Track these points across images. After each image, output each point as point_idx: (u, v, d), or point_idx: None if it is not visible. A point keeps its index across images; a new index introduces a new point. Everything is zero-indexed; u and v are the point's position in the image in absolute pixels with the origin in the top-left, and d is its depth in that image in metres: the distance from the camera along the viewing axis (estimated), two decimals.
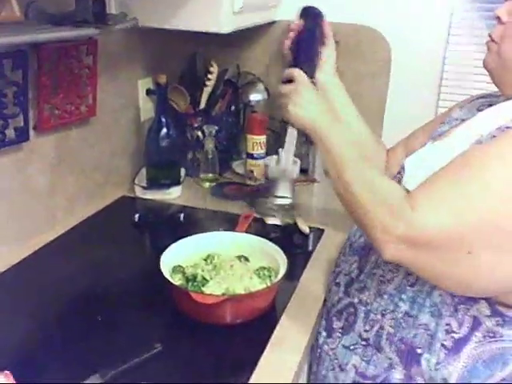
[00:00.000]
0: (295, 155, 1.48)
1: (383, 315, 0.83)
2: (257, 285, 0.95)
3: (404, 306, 0.81)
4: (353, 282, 0.91)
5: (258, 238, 1.05)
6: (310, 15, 1.05)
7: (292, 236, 1.24)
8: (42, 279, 1.05)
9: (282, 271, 0.94)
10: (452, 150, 0.79)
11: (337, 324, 0.90)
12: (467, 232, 0.68)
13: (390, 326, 0.81)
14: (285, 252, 0.98)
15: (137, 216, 1.28)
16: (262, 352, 0.85)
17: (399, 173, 0.92)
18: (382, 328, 0.83)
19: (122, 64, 1.39)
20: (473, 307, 0.76)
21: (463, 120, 0.92)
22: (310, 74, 0.97)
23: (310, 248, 1.19)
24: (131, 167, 1.48)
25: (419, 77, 1.47)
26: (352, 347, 0.86)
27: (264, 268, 0.98)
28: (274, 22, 1.61)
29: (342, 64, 1.60)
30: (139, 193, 1.40)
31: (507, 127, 0.73)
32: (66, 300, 1.00)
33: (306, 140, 1.52)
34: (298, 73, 0.94)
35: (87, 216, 1.29)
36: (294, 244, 1.22)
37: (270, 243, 1.01)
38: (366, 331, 0.85)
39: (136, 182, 1.42)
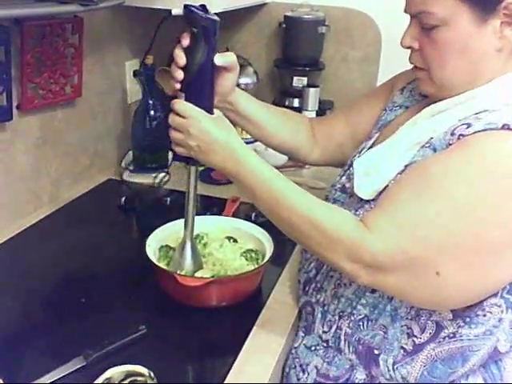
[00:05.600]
0: None
1: (340, 317, 0.82)
2: (244, 267, 0.94)
3: (364, 311, 0.79)
4: (310, 280, 0.90)
5: (245, 221, 1.04)
6: (201, 32, 0.77)
7: None
8: (25, 262, 1.03)
9: (269, 254, 0.93)
10: (402, 153, 0.78)
11: (300, 322, 0.90)
12: (431, 253, 0.67)
13: (348, 328, 0.81)
14: (273, 236, 0.97)
15: (123, 199, 1.27)
16: (247, 335, 0.85)
17: (348, 169, 0.89)
18: (339, 329, 0.82)
19: (109, 45, 1.36)
20: (435, 312, 0.75)
21: (407, 108, 0.90)
22: (209, 110, 0.79)
23: None
24: (118, 150, 1.46)
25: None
26: (313, 348, 0.85)
27: (252, 251, 0.98)
28: (264, 4, 1.59)
29: (331, 49, 1.60)
30: (126, 176, 1.38)
31: (461, 135, 0.70)
32: (51, 282, 0.99)
33: None
34: (191, 112, 0.77)
35: (72, 199, 1.27)
36: None
37: (257, 227, 1.01)
38: (324, 332, 0.84)
39: (122, 165, 1.40)
